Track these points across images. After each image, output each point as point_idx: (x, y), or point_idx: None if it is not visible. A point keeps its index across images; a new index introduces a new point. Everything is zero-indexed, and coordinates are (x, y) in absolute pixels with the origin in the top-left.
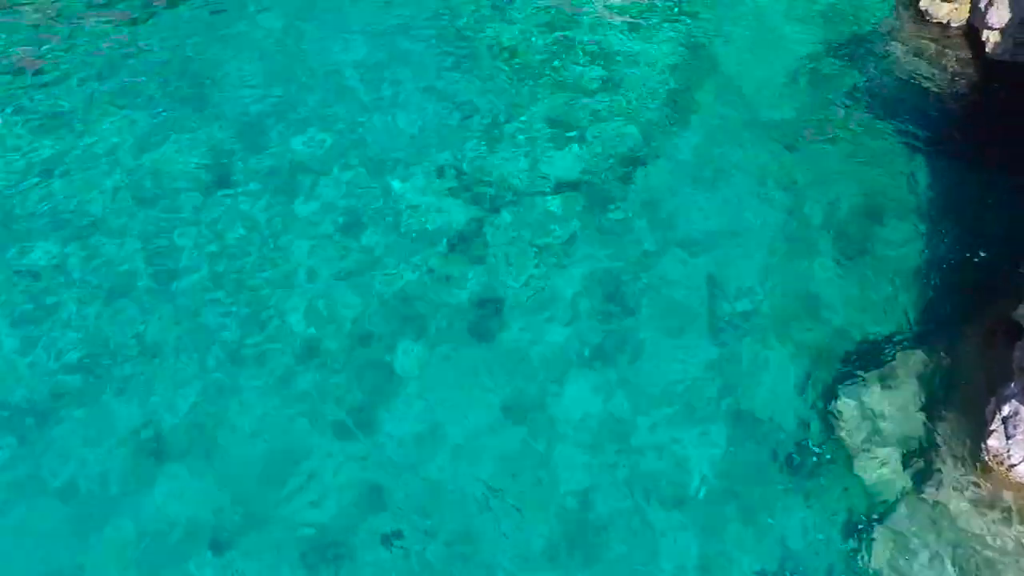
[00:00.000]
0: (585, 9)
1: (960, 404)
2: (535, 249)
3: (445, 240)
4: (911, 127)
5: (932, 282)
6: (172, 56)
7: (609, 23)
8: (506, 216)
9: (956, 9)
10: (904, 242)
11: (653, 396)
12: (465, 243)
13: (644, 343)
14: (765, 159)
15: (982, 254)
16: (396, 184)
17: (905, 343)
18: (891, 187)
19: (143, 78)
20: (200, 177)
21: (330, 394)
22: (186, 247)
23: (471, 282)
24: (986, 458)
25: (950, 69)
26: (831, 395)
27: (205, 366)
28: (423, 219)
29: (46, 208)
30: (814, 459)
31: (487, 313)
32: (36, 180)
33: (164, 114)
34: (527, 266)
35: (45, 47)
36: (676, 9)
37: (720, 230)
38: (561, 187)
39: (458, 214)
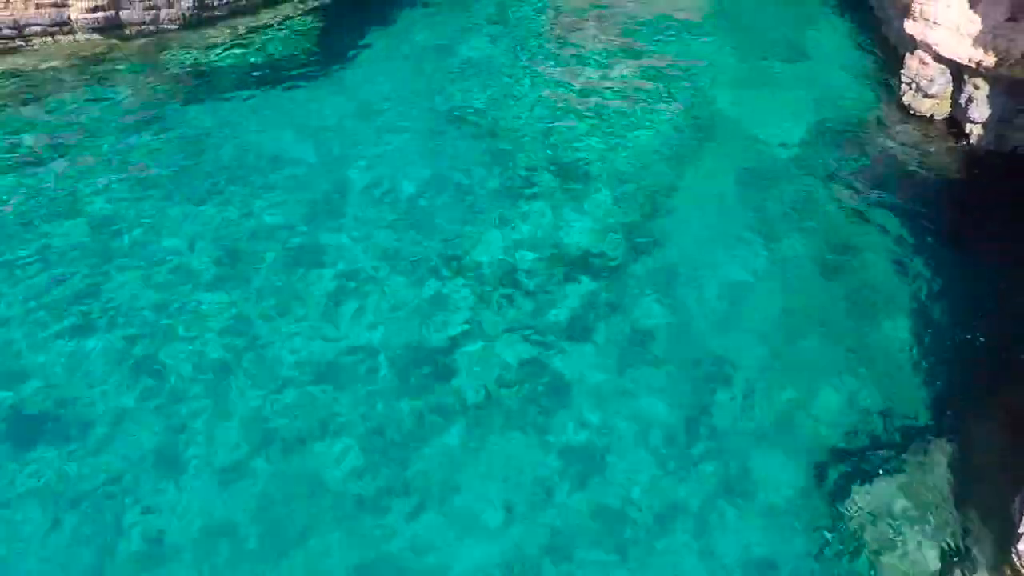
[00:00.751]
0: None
1: (982, 501)
2: None
3: None
4: (901, 215)
5: (933, 371)
6: None
7: (607, 104)
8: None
9: (938, 104)
10: (901, 331)
11: (660, 513)
12: None
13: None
14: (757, 250)
15: (980, 339)
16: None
17: (917, 437)
18: (884, 275)
19: None
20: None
21: None
22: None
23: None
24: (1018, 563)
25: (936, 159)
26: (844, 494)
27: None
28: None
29: None
30: (832, 563)
31: None
32: None
33: None
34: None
35: None
36: (668, 94)
37: (716, 328)
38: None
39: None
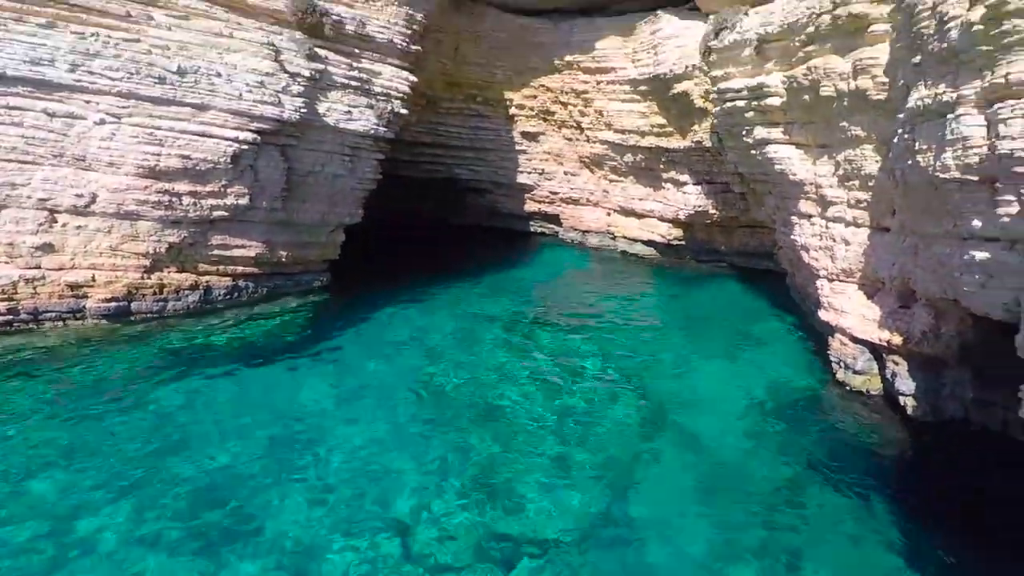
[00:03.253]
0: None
1: None
2: None
3: None
4: (850, 490)
5: None
6: None
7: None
8: None
9: (869, 380)
10: None
11: None
12: None
13: None
14: (712, 535)
15: None
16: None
17: None
18: (837, 554)
19: None
20: None
21: None
22: None
23: None
24: None
25: (876, 432)
26: None
27: None
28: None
29: None
30: None
31: None
32: None
33: None
34: None
35: None
36: (633, 382)
37: None
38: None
39: None
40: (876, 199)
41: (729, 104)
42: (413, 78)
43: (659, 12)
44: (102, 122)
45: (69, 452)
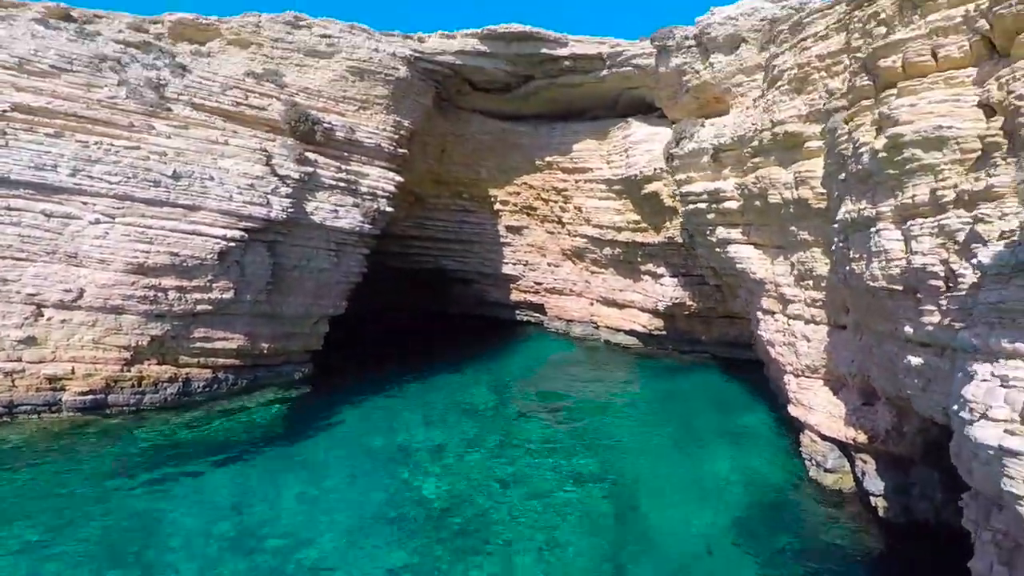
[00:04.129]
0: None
1: None
2: None
3: None
4: None
5: None
6: None
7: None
8: None
9: (840, 478)
10: None
11: None
12: None
13: None
14: None
15: None
16: None
17: None
18: None
19: None
20: None
21: None
22: None
23: None
24: None
25: (846, 532)
26: None
27: None
28: None
29: None
30: None
31: None
32: None
33: None
34: None
35: None
36: (611, 475)
37: None
38: None
39: None
40: (830, 298)
41: (692, 206)
42: (399, 178)
43: (629, 120)
44: (97, 221)
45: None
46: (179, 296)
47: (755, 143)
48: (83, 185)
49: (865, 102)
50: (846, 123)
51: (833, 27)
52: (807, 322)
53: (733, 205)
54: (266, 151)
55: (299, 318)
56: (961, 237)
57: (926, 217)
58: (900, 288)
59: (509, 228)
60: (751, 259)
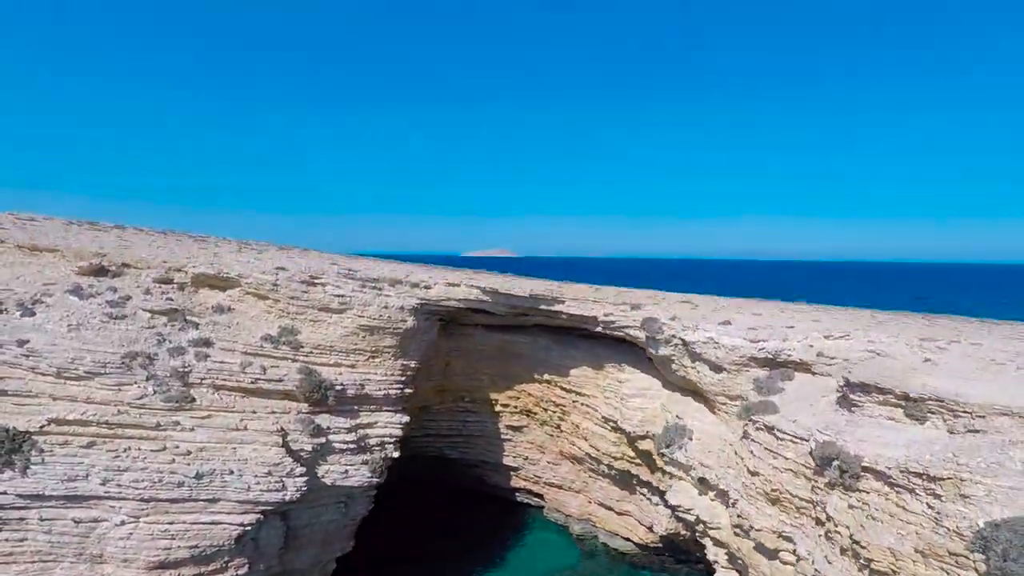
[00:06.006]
0: None
1: None
2: None
3: None
4: None
5: None
6: None
7: None
8: None
9: None
10: None
11: None
12: None
13: None
14: None
15: None
16: None
17: None
18: None
19: None
20: None
21: None
22: None
23: None
24: None
25: None
26: None
27: None
28: None
29: None
30: None
31: None
32: None
33: None
34: None
35: None
36: None
37: None
38: None
39: None
40: None
41: (681, 516)
42: (406, 419)
43: (623, 366)
44: (122, 523)
45: None
46: None
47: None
48: (112, 492)
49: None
50: None
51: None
52: None
53: (720, 535)
54: (282, 429)
55: (309, 568)
56: None
57: None
58: None
59: (509, 427)
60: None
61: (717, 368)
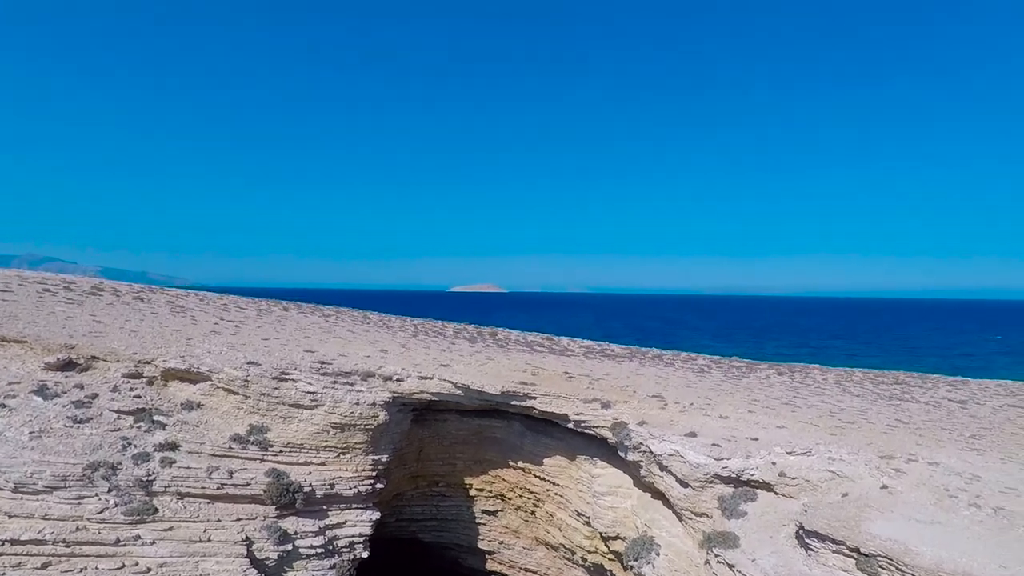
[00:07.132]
0: None
1: None
2: None
3: None
4: None
5: None
6: None
7: None
8: None
9: None
10: None
11: None
12: None
13: None
14: None
15: None
16: None
17: None
18: None
19: None
20: None
21: None
22: None
23: None
24: None
25: None
26: None
27: None
28: None
29: None
30: None
31: None
32: None
33: None
34: None
35: None
36: None
37: None
38: None
39: None
40: None
41: None
42: (377, 515)
43: (595, 459)
44: None
45: None
46: None
47: None
48: None
49: None
50: None
51: None
52: None
53: None
54: (248, 538)
55: None
56: None
57: None
58: None
59: (484, 511)
60: None
61: (683, 483)
